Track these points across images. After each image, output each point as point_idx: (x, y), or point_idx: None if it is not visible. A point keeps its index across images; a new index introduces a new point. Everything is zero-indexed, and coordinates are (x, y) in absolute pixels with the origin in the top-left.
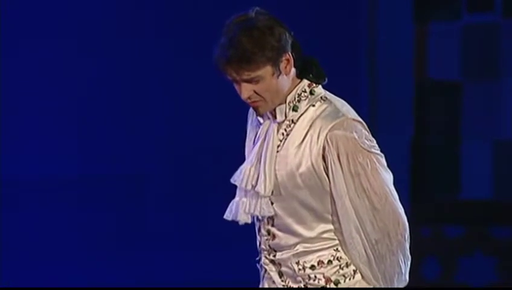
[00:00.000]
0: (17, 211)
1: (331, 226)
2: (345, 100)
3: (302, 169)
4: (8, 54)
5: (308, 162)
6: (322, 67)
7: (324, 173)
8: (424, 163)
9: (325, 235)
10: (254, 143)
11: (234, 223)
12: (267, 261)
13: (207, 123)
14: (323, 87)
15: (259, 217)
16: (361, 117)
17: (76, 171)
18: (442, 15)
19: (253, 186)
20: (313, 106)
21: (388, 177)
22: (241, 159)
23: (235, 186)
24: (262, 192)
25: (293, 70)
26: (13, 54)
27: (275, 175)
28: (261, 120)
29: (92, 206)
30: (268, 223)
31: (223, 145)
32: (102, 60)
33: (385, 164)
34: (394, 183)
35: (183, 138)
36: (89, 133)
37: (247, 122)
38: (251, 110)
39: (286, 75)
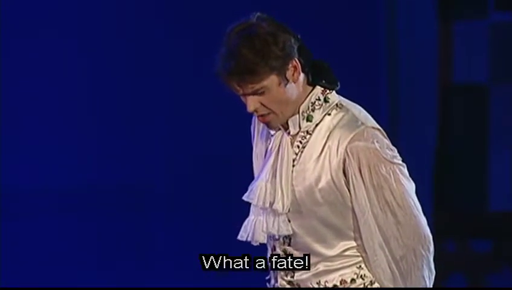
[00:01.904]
0: (16, 220)
1: (353, 243)
2: (363, 106)
3: (322, 184)
4: (8, 60)
5: (328, 176)
6: (338, 70)
7: (345, 187)
8: (449, 173)
9: (347, 253)
10: (266, 157)
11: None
12: (284, 282)
13: (212, 132)
14: (337, 92)
15: (276, 236)
16: (380, 124)
17: (77, 181)
18: (468, 13)
19: (271, 204)
20: (329, 114)
21: (411, 187)
22: (247, 168)
23: (240, 197)
24: (280, 209)
25: (302, 76)
26: (13, 59)
27: (293, 191)
28: (272, 132)
29: (92, 216)
30: (284, 242)
31: (229, 155)
32: (102, 67)
33: (407, 174)
34: (416, 194)
35: (186, 147)
36: (90, 142)
37: (252, 134)
38: (254, 120)
39: (294, 82)
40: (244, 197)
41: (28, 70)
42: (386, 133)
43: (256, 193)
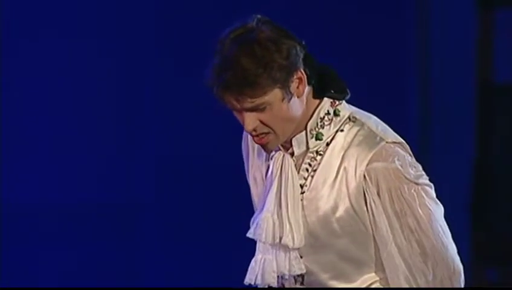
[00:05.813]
0: (13, 237)
1: (376, 276)
2: (387, 112)
3: (340, 213)
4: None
5: (347, 204)
6: (357, 68)
7: (367, 215)
8: (489, 189)
9: (371, 288)
10: (267, 184)
11: (238, 254)
12: None
13: (205, 147)
14: (348, 102)
15: (286, 276)
16: (409, 133)
17: (77, 199)
18: None
19: (280, 239)
20: (342, 130)
21: (439, 212)
22: (240, 185)
23: (238, 217)
24: (291, 244)
25: (307, 89)
26: (15, 78)
27: (304, 223)
28: (271, 152)
29: (87, 234)
30: (296, 281)
31: (225, 172)
32: (99, 79)
33: (434, 196)
34: (452, 215)
35: (181, 164)
36: (85, 160)
37: (245, 152)
38: (246, 136)
39: (299, 97)
40: (249, 234)
41: (28, 85)
42: (414, 145)
43: (264, 228)
